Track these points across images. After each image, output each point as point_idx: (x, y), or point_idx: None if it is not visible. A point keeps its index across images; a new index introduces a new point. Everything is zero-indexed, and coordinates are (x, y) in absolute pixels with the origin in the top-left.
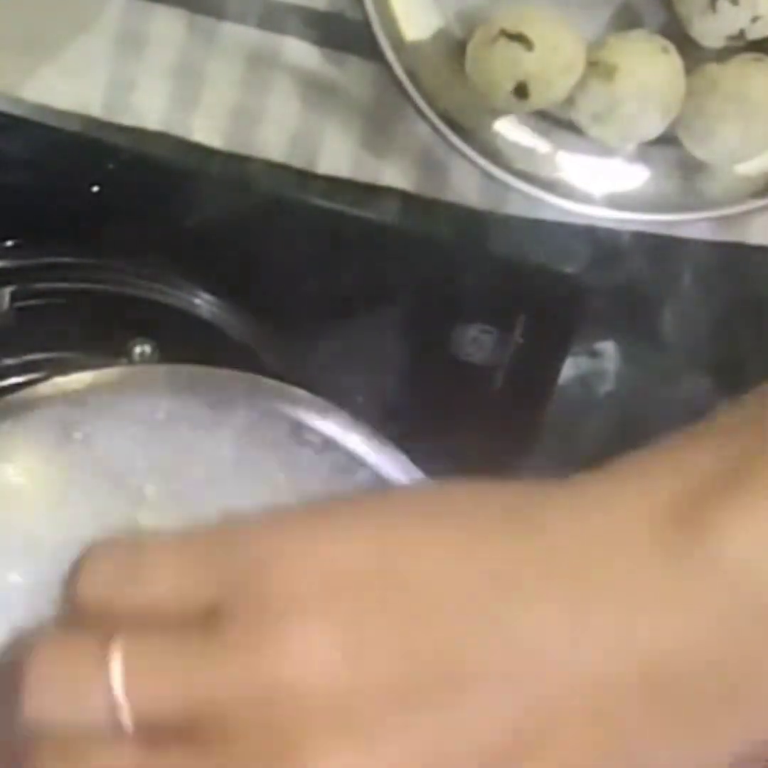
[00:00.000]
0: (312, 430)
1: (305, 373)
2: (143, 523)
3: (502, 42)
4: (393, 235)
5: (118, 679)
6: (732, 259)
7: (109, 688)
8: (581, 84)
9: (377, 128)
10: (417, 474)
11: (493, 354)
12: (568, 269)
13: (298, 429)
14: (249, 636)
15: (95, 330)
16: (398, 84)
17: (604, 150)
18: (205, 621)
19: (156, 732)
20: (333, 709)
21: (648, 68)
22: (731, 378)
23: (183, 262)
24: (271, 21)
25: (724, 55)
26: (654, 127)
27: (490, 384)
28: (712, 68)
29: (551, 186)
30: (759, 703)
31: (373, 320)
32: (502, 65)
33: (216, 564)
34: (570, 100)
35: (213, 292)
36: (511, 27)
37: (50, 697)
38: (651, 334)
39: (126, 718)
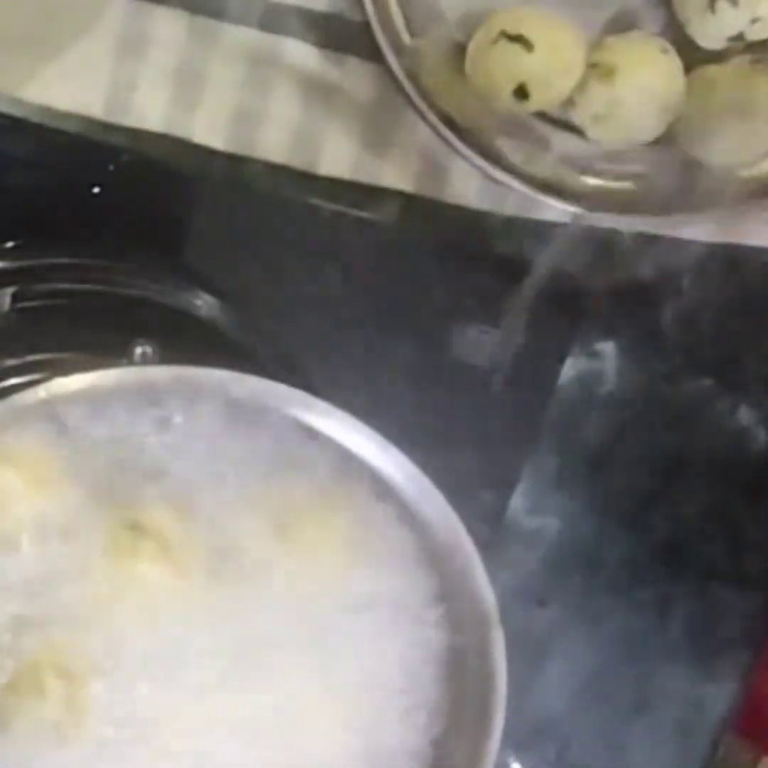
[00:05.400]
0: (312, 430)
1: (305, 373)
2: (142, 521)
3: (503, 43)
4: (393, 235)
5: None
6: (732, 259)
7: None
8: (581, 85)
9: (377, 129)
10: (417, 474)
11: (493, 354)
12: (568, 269)
13: (299, 429)
14: None
15: (96, 330)
16: (398, 85)
17: (604, 150)
18: None
19: None
20: None
21: (647, 69)
22: (731, 378)
23: (183, 262)
24: (272, 22)
25: (723, 56)
26: (654, 128)
27: (489, 385)
28: (712, 69)
29: (551, 186)
30: None
31: (373, 320)
32: (502, 66)
33: None
34: (570, 101)
35: (213, 292)
36: (512, 28)
37: None
38: (651, 334)
39: None
